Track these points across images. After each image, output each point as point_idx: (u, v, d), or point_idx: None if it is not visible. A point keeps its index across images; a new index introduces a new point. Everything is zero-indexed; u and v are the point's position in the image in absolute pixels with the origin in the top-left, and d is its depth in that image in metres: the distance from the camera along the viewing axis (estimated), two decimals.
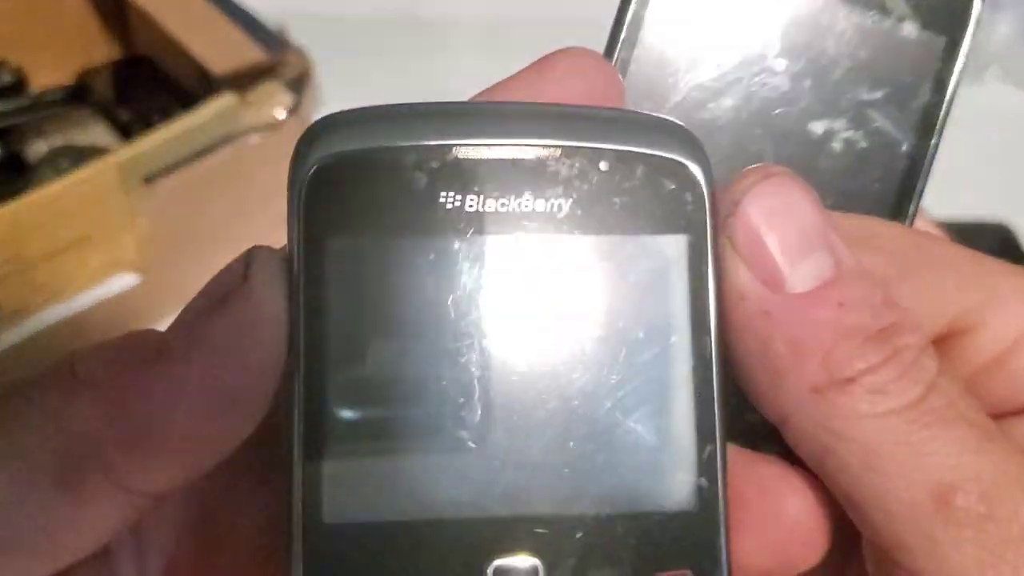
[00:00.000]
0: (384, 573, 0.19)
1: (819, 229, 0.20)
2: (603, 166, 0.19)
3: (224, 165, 0.59)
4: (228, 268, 0.19)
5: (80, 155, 0.63)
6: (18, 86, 0.68)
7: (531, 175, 0.19)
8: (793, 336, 0.19)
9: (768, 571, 0.21)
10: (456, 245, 0.19)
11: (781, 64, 0.23)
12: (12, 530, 0.18)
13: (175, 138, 0.56)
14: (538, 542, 0.19)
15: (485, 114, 0.20)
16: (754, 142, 0.24)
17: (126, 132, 0.67)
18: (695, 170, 0.20)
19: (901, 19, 0.24)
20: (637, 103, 0.23)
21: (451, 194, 0.19)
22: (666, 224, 0.19)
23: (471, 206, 0.19)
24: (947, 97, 0.25)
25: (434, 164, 0.19)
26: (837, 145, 0.24)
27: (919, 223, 0.26)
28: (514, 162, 0.19)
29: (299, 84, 0.60)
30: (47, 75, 0.70)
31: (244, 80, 0.59)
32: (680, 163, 0.20)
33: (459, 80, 0.85)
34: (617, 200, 0.19)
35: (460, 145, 0.19)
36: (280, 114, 0.59)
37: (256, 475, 0.21)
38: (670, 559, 0.19)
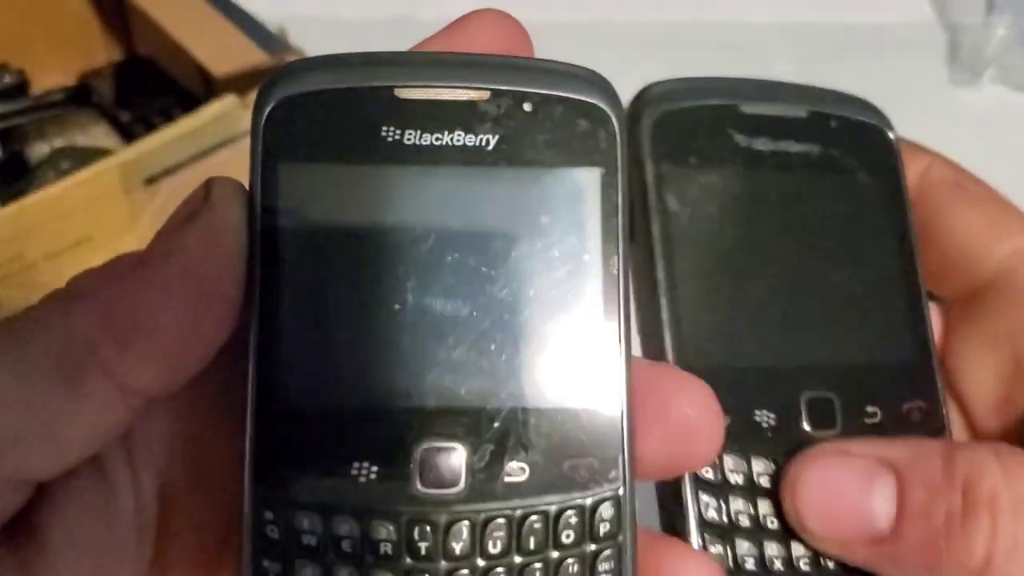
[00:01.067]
0: (326, 453, 0.21)
1: (858, 469, 0.24)
2: (527, 107, 0.22)
3: (225, 166, 0.59)
4: (191, 194, 0.22)
5: (82, 156, 0.63)
6: (20, 88, 0.68)
7: (463, 114, 0.22)
8: (921, 564, 0.24)
9: (665, 463, 0.23)
10: (395, 173, 0.22)
11: (788, 237, 0.27)
12: (19, 425, 0.20)
13: (176, 139, 0.56)
14: (462, 429, 0.21)
15: (422, 61, 0.22)
16: (800, 305, 0.26)
17: (127, 133, 0.68)
18: (609, 111, 0.22)
19: (851, 172, 0.27)
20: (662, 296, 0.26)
21: (391, 129, 0.22)
22: (582, 158, 0.22)
23: (409, 139, 0.22)
24: (909, 219, 0.28)
25: (377, 103, 0.22)
26: (859, 286, 0.27)
27: None
28: (448, 103, 0.22)
29: None
30: (49, 77, 0.70)
31: (245, 82, 0.59)
32: (595, 105, 0.22)
33: None
34: (539, 137, 0.22)
35: (400, 87, 0.22)
36: None
37: (238, 407, 0.23)
38: (578, 450, 0.22)
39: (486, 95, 0.22)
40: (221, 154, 0.59)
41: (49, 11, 0.71)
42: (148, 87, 0.70)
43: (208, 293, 0.21)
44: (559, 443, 0.22)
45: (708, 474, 0.25)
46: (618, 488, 0.22)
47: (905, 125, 0.89)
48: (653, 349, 0.26)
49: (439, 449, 0.21)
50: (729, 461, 0.25)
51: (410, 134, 0.22)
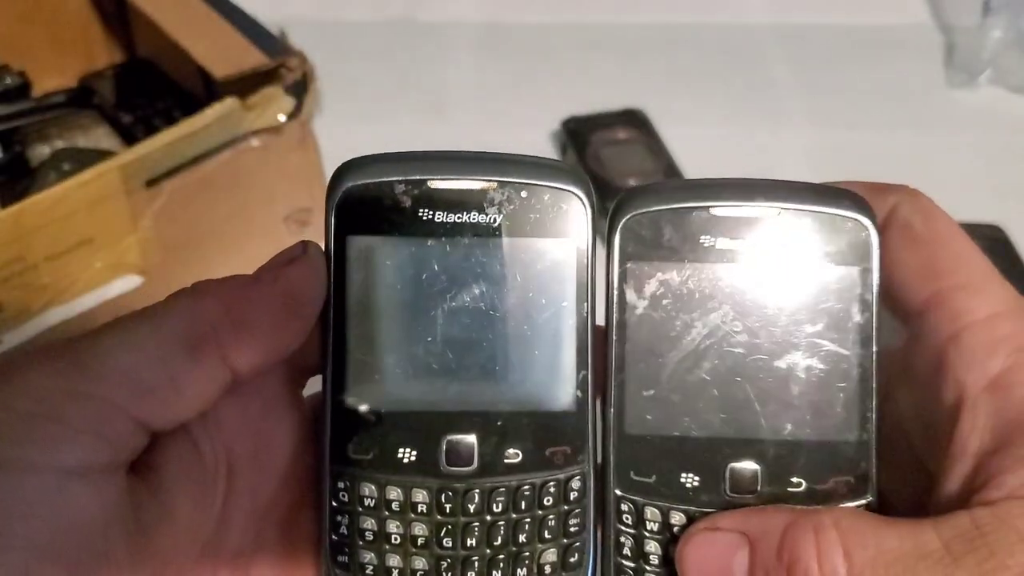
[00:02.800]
0: (380, 442, 0.30)
1: (722, 544, 0.28)
2: (523, 194, 0.30)
3: (225, 168, 0.59)
4: (291, 247, 0.30)
5: (83, 158, 0.63)
6: (21, 89, 0.68)
7: (477, 199, 0.30)
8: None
9: None
10: (429, 242, 0.30)
11: (738, 325, 0.31)
12: (153, 377, 0.27)
13: (177, 141, 0.57)
14: (475, 426, 0.30)
15: (448, 159, 0.31)
16: (738, 388, 0.31)
17: (128, 135, 0.68)
18: (582, 196, 0.31)
19: (810, 264, 0.30)
20: (636, 379, 0.31)
21: (426, 210, 0.30)
22: (561, 231, 0.30)
23: (439, 218, 0.30)
24: (873, 313, 0.30)
25: (416, 191, 0.30)
26: (801, 373, 0.30)
27: None
28: (466, 191, 0.30)
29: (300, 88, 0.60)
30: (50, 79, 0.71)
31: (245, 84, 0.60)
32: (572, 192, 0.30)
33: (456, 83, 0.85)
34: (532, 215, 0.30)
35: (432, 179, 0.30)
36: (281, 118, 0.60)
37: (289, 401, 0.32)
38: (558, 440, 0.30)
39: (494, 185, 0.30)
40: (222, 156, 0.59)
41: (50, 13, 0.71)
42: (149, 89, 0.70)
43: (297, 310, 0.29)
44: (543, 436, 0.30)
45: (628, 520, 0.31)
46: (584, 468, 0.30)
47: (902, 127, 0.89)
48: (603, 414, 0.32)
49: (459, 440, 0.30)
50: (647, 511, 0.30)
51: (439, 214, 0.30)
